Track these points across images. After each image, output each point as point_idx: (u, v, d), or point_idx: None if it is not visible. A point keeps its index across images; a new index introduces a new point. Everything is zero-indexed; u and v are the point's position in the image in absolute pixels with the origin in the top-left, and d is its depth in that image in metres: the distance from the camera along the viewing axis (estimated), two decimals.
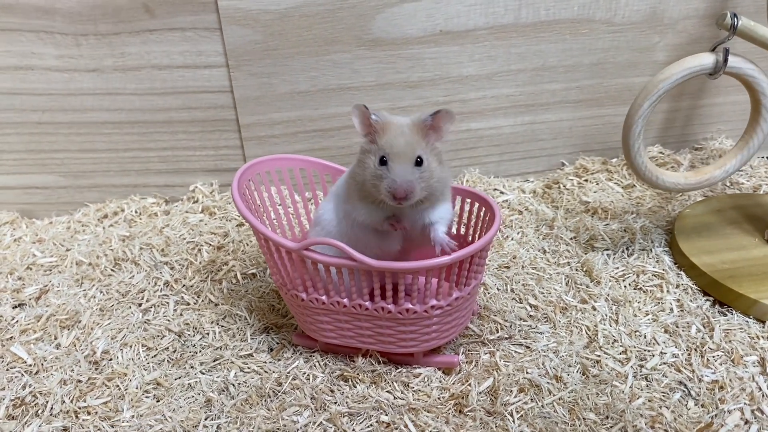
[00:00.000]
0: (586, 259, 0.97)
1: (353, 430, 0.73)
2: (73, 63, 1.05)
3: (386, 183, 0.69)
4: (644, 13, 1.12)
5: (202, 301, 0.95)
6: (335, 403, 0.77)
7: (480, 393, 0.77)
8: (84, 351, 0.86)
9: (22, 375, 0.81)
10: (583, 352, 0.82)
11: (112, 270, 1.00)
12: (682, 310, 0.88)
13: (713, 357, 0.80)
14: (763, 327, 0.84)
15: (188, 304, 0.94)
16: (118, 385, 0.81)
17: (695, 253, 0.93)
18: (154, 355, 0.86)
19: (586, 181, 1.19)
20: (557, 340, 0.84)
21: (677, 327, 0.85)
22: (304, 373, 0.82)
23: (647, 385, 0.78)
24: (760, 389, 0.76)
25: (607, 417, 0.74)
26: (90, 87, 1.07)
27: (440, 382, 0.79)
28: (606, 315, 0.88)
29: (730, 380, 0.77)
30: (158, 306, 0.94)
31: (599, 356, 0.82)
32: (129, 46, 1.04)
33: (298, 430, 0.73)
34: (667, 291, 0.91)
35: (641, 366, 0.80)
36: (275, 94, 1.11)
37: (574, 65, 1.15)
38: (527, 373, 0.79)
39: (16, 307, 0.95)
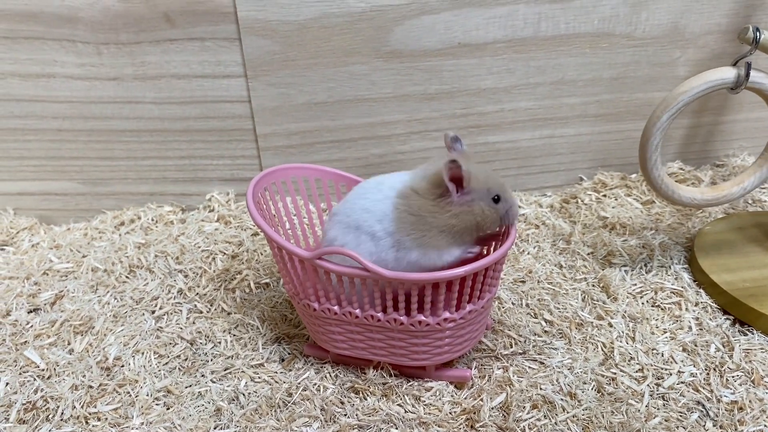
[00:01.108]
0: (603, 275, 0.95)
1: None
2: (94, 71, 1.06)
3: (512, 211, 0.75)
4: (665, 27, 1.11)
5: (215, 309, 0.95)
6: (345, 415, 0.76)
7: (492, 408, 0.76)
8: (96, 357, 0.86)
9: (35, 379, 0.82)
10: (599, 369, 0.81)
11: (126, 277, 1.01)
12: (701, 329, 0.86)
13: (732, 377, 0.79)
14: None
15: (201, 312, 0.94)
16: (128, 392, 0.81)
17: (715, 271, 0.91)
18: (166, 363, 0.85)
19: (604, 196, 1.18)
20: (572, 357, 0.83)
21: (696, 345, 0.83)
22: (315, 384, 0.81)
23: (664, 405, 0.76)
24: None
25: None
26: (110, 95, 1.08)
27: (452, 396, 0.78)
28: (623, 332, 0.86)
29: (749, 401, 0.75)
30: (171, 314, 0.94)
31: (615, 374, 0.80)
32: (149, 56, 1.05)
33: None
34: (686, 309, 0.89)
35: (658, 385, 0.79)
36: (292, 105, 1.11)
37: (593, 79, 1.14)
38: (541, 389, 0.78)
39: (31, 311, 0.95)
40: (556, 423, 0.74)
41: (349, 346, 0.80)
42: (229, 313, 0.94)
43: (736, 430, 0.72)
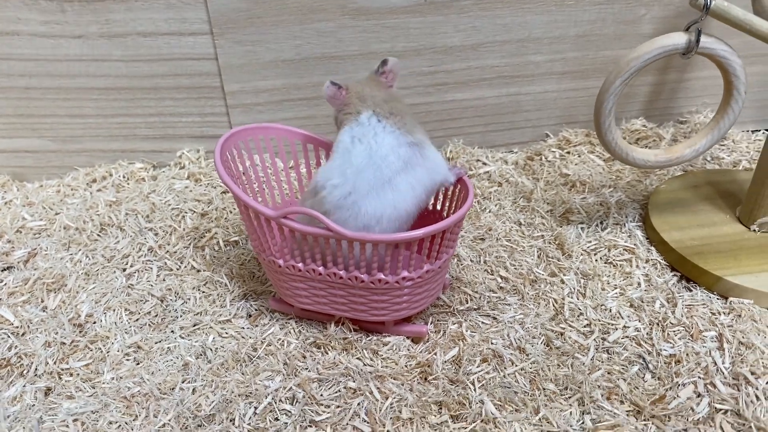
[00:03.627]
0: (560, 233, 0.99)
1: (321, 395, 0.76)
2: (59, 29, 1.06)
3: None
4: None
5: (185, 267, 0.98)
6: (306, 369, 0.80)
7: (445, 362, 0.80)
8: (69, 314, 0.89)
9: (8, 336, 0.85)
10: (549, 324, 0.85)
11: (98, 235, 1.03)
12: (649, 285, 0.91)
13: (673, 332, 0.83)
14: (725, 303, 0.87)
15: (171, 269, 0.97)
16: (100, 348, 0.84)
17: (666, 229, 0.95)
18: (137, 320, 0.89)
19: (568, 153, 1.20)
20: (524, 312, 0.87)
21: (642, 302, 0.87)
22: (279, 339, 0.85)
23: (608, 358, 0.81)
24: (715, 364, 0.79)
25: (566, 388, 0.77)
26: (76, 53, 1.08)
27: (408, 350, 0.82)
28: (574, 288, 0.90)
29: (686, 354, 0.80)
30: (141, 271, 0.97)
31: (564, 329, 0.84)
32: (113, 13, 1.05)
33: (268, 394, 0.77)
34: (636, 266, 0.94)
35: (603, 339, 0.83)
36: (260, 63, 1.12)
37: (559, 37, 1.15)
38: (492, 343, 0.82)
39: (4, 270, 0.98)
40: (504, 376, 0.78)
41: (312, 302, 0.83)
42: (198, 271, 0.97)
43: (672, 381, 0.77)
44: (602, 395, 0.75)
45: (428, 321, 0.86)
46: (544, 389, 0.77)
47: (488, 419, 0.73)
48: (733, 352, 0.79)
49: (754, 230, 0.94)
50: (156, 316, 0.90)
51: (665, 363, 0.80)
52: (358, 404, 0.75)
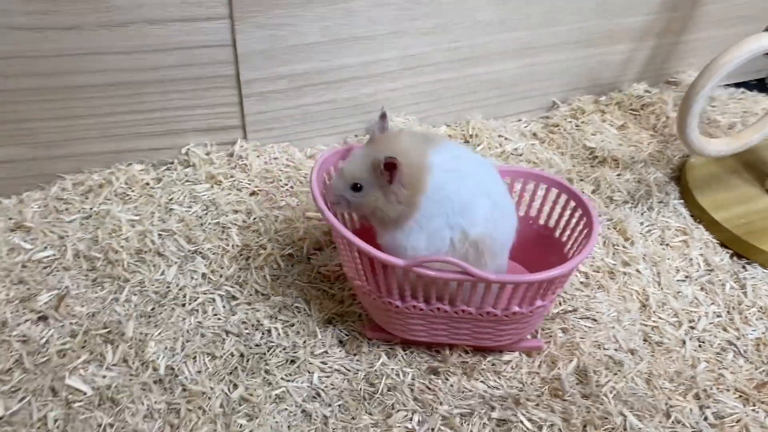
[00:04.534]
0: (619, 218, 1.01)
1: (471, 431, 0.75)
2: (47, 20, 0.86)
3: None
4: None
5: (248, 293, 0.89)
6: (439, 402, 0.78)
7: (568, 374, 0.81)
8: (146, 370, 0.79)
9: (90, 410, 0.74)
10: (641, 319, 0.89)
11: (135, 264, 0.90)
12: (708, 267, 0.96)
13: (750, 314, 0.90)
14: None
15: (236, 298, 0.88)
16: (202, 408, 0.76)
17: (713, 208, 1.00)
18: (224, 365, 0.81)
19: (583, 123, 1.21)
20: (616, 309, 0.90)
21: (713, 285, 0.93)
22: (393, 370, 0.81)
23: (701, 347, 0.86)
24: None
25: (680, 384, 0.82)
26: (68, 47, 0.89)
27: (528, 367, 0.82)
28: (650, 278, 0.94)
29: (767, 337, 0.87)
30: (205, 304, 0.87)
31: (656, 322, 0.89)
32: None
33: None
34: (692, 247, 0.99)
35: (692, 328, 0.88)
36: (282, 47, 0.99)
37: (578, 7, 1.13)
38: (604, 349, 0.84)
39: (38, 320, 0.83)
40: (626, 382, 0.81)
41: (428, 335, 0.80)
42: (267, 296, 0.88)
43: (763, 363, 0.85)
44: (713, 387, 0.81)
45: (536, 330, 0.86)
46: (662, 388, 0.81)
47: (632, 430, 0.76)
48: None
49: None
50: (243, 357, 0.82)
51: (753, 347, 0.87)
52: None
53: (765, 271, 0.96)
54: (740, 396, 0.81)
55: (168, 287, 0.88)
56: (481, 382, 0.81)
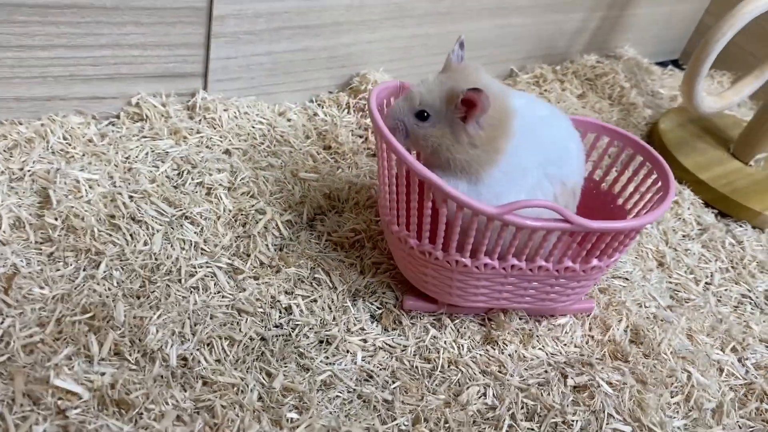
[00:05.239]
0: None
1: (556, 402, 0.66)
2: None
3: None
4: None
5: (254, 265, 0.73)
6: (509, 374, 0.69)
7: (622, 335, 0.76)
8: (151, 363, 0.60)
9: (90, 420, 0.54)
10: (662, 275, 0.87)
11: (107, 233, 0.70)
12: (701, 226, 0.97)
13: (753, 267, 0.92)
14: (761, 234, 0.98)
15: (242, 271, 0.72)
16: (240, 403, 0.60)
17: (697, 169, 1.02)
18: (249, 351, 0.65)
19: (546, 90, 1.19)
20: (640, 268, 0.87)
21: (714, 242, 0.94)
22: (446, 342, 0.71)
23: (720, 301, 0.86)
24: None
25: (717, 338, 0.80)
26: None
27: (582, 329, 0.76)
28: (658, 237, 0.92)
29: None
30: (206, 279, 0.70)
31: (678, 279, 0.87)
32: None
33: (505, 417, 0.64)
34: (683, 207, 0.99)
35: (708, 284, 0.88)
36: None
37: None
38: (646, 306, 0.81)
39: None
40: (679, 339, 0.78)
41: (489, 299, 0.71)
42: (276, 269, 0.73)
43: None
44: (745, 338, 0.81)
45: None
46: (704, 344, 0.79)
47: (701, 387, 0.72)
48: None
49: (751, 165, 1.07)
50: (268, 340, 0.66)
51: (764, 298, 0.88)
52: (602, 402, 0.67)
53: (748, 227, 0.99)
54: None
55: (156, 260, 0.69)
56: (540, 349, 0.73)
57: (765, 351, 0.80)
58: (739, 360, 0.79)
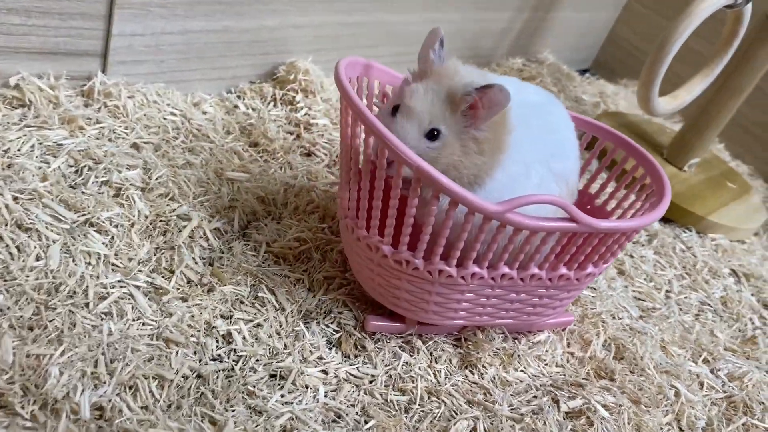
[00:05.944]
0: None
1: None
2: None
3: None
4: None
5: (180, 282, 0.59)
6: (495, 402, 0.59)
7: (602, 350, 0.69)
8: (56, 418, 0.45)
9: None
10: (625, 283, 0.81)
11: None
12: (649, 233, 0.93)
13: (705, 273, 0.89)
14: (711, 240, 0.96)
15: (166, 291, 0.57)
16: None
17: None
18: (183, 394, 0.50)
19: None
20: (603, 276, 0.81)
21: (665, 248, 0.90)
22: (421, 368, 0.60)
23: (681, 310, 0.82)
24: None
25: (687, 349, 0.75)
26: None
27: (560, 345, 0.68)
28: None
29: (729, 294, 0.86)
30: (121, 303, 0.54)
31: (641, 288, 0.82)
32: None
33: None
34: None
35: (669, 291, 0.83)
36: None
37: None
38: (619, 318, 0.74)
39: None
40: (657, 352, 0.71)
41: (469, 314, 0.60)
42: (209, 288, 0.59)
43: (734, 321, 0.83)
44: (713, 349, 0.76)
45: None
46: (678, 355, 0.73)
47: (690, 404, 0.66)
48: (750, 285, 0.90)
49: (685, 170, 1.05)
50: (208, 379, 0.52)
51: (722, 304, 0.85)
52: (603, 430, 0.59)
53: (694, 232, 0.96)
54: (734, 353, 0.78)
55: (55, 278, 0.53)
56: (521, 371, 0.64)
57: (734, 360, 0.75)
58: (712, 371, 0.74)
